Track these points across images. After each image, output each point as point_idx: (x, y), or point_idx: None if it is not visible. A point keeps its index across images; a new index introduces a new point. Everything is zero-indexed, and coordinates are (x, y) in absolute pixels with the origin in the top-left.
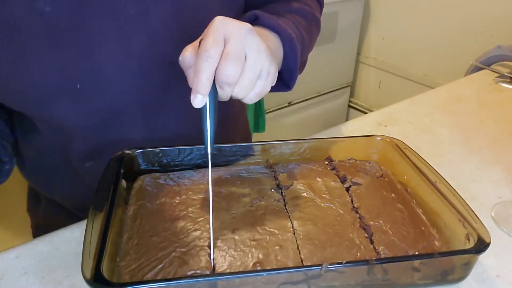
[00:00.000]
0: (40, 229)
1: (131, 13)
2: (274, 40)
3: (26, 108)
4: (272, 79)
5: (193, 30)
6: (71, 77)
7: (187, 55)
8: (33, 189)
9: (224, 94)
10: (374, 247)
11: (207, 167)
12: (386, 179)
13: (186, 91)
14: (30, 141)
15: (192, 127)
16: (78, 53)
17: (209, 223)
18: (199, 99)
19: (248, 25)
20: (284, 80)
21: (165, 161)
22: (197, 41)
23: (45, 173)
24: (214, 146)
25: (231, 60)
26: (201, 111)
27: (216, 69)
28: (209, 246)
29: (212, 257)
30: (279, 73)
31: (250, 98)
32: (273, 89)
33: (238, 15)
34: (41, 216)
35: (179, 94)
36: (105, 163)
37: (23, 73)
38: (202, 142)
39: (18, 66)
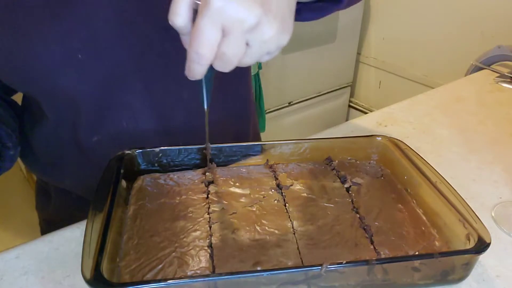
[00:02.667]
0: (51, 225)
1: None
2: None
3: (30, 85)
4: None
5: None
6: (72, 47)
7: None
8: (41, 186)
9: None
10: (374, 247)
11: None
12: (386, 179)
13: (183, 57)
14: (38, 129)
15: (193, 94)
16: (76, 23)
17: (209, 224)
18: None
19: None
20: None
21: (165, 161)
22: None
23: (54, 160)
24: (215, 146)
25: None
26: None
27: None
28: (209, 246)
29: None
30: None
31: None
32: (322, 11)
33: None
34: (52, 212)
35: (177, 61)
36: (110, 136)
37: (26, 46)
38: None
39: (21, 39)
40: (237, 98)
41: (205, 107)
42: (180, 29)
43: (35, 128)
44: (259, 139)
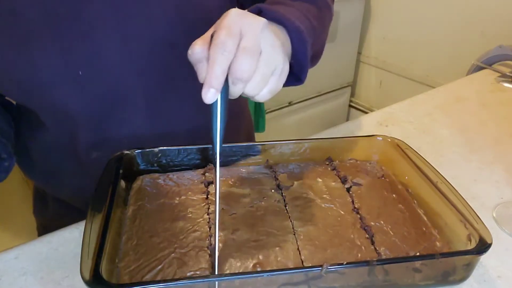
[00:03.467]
0: (48, 230)
1: None
2: (281, 34)
3: (29, 98)
4: (285, 76)
5: (191, 11)
6: (73, 63)
7: (197, 48)
8: (39, 191)
9: (236, 90)
10: (375, 248)
11: (208, 166)
12: (387, 180)
13: (187, 73)
14: (37, 138)
15: (196, 112)
16: (77, 39)
17: (208, 224)
18: (212, 94)
19: (264, 19)
20: (295, 73)
21: (164, 161)
22: (208, 34)
23: (53, 170)
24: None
25: (248, 55)
26: (211, 107)
27: (230, 63)
28: (208, 247)
29: (216, 259)
30: (290, 66)
31: (262, 95)
32: (285, 83)
33: (234, 3)
34: (49, 218)
35: (180, 77)
36: (110, 154)
37: (26, 60)
38: (206, 133)
39: (22, 53)
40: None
41: (218, 136)
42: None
43: (33, 135)
44: (253, 140)
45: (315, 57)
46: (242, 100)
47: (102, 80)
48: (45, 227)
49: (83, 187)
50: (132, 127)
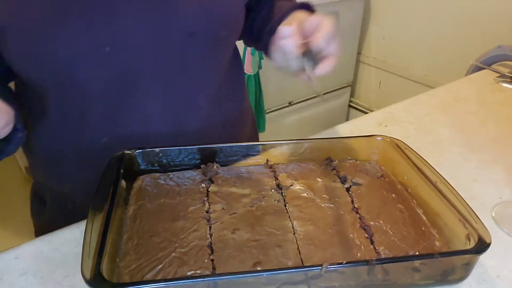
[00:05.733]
0: (45, 233)
1: None
2: None
3: (48, 73)
4: None
5: (213, 4)
6: (97, 40)
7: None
8: (37, 192)
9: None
10: (375, 247)
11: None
12: (387, 179)
13: (203, 65)
14: (43, 122)
15: (207, 104)
16: (104, 16)
17: (208, 224)
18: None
19: None
20: None
21: (165, 161)
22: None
23: (56, 159)
24: (215, 146)
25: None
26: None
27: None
28: (209, 246)
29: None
30: None
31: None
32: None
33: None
34: (46, 221)
35: (196, 68)
36: (119, 139)
37: (52, 33)
38: (215, 126)
39: (50, 27)
40: (233, 104)
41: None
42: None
43: (39, 118)
44: (257, 140)
45: None
46: (247, 108)
47: (122, 60)
48: (42, 231)
49: (86, 180)
50: (144, 112)
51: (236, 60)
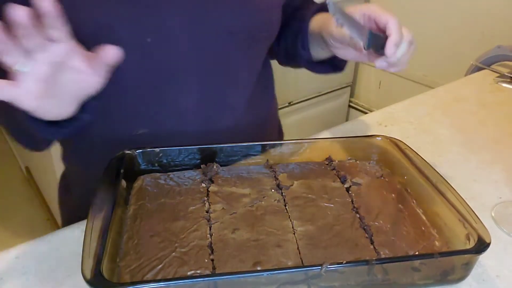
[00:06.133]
0: (72, 223)
1: None
2: None
3: None
4: None
5: (252, 5)
6: (142, 30)
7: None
8: (66, 182)
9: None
10: (374, 247)
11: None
12: (386, 179)
13: (239, 65)
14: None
15: (242, 101)
16: (147, 8)
17: (209, 223)
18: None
19: None
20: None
21: (165, 161)
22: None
23: (90, 148)
24: (214, 146)
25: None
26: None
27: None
28: (209, 246)
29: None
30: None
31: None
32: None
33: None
34: (73, 210)
35: (233, 67)
36: (154, 132)
37: (99, 19)
38: (246, 126)
39: (96, 12)
40: (264, 105)
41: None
42: None
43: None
44: (282, 137)
45: None
46: (274, 108)
47: (161, 53)
48: (70, 221)
49: None
50: (179, 107)
51: (268, 62)
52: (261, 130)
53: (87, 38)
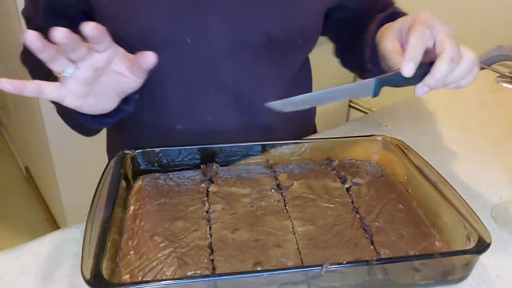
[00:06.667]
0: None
1: None
2: None
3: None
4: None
5: (291, 10)
6: (183, 31)
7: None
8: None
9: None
10: (375, 248)
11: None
12: (387, 179)
13: (276, 70)
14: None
15: (278, 98)
16: (191, 7)
17: (208, 224)
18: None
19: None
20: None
21: (165, 161)
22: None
23: (133, 140)
24: (214, 146)
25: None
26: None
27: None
28: (209, 246)
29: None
30: None
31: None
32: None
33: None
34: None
35: (269, 71)
36: (193, 127)
37: (145, 18)
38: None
39: (144, 7)
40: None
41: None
42: None
43: None
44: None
45: None
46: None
47: (201, 53)
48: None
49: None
50: (217, 105)
51: (307, 63)
52: (297, 128)
53: (130, 39)
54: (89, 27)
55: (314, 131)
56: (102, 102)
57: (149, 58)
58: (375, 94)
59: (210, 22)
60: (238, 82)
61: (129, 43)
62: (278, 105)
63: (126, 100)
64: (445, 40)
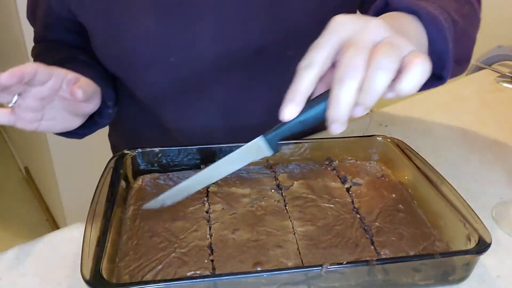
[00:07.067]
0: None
1: (230, 0)
2: (413, 25)
3: (124, 73)
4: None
5: (283, 24)
6: (168, 49)
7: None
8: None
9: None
10: (375, 248)
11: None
12: (387, 179)
13: (267, 82)
14: (125, 103)
15: (265, 109)
16: (178, 27)
17: (208, 224)
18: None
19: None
20: (435, 70)
21: (164, 161)
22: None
23: (138, 133)
24: (214, 146)
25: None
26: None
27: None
28: (208, 247)
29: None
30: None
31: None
32: (424, 85)
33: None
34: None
35: (259, 84)
36: (186, 136)
37: (129, 38)
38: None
39: (127, 32)
40: None
41: None
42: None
43: (124, 99)
44: None
45: (459, 62)
46: None
47: (188, 70)
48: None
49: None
50: (206, 118)
51: None
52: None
53: (115, 58)
54: (2, 78)
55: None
56: (59, 124)
57: (75, 95)
58: (275, 150)
59: (196, 41)
60: (226, 96)
61: (115, 61)
62: (151, 205)
63: (99, 113)
64: (345, 52)
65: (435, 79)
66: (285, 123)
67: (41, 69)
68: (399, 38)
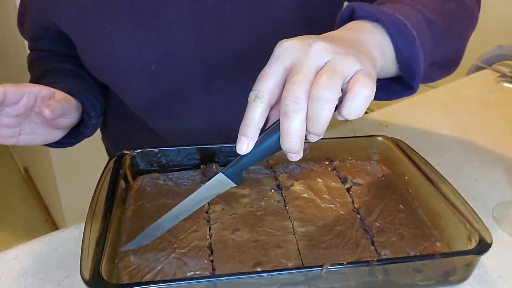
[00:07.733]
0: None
1: (209, 5)
2: (376, 35)
3: (109, 82)
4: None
5: (263, 27)
6: (148, 57)
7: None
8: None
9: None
10: (375, 248)
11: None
12: (387, 180)
13: (250, 87)
14: (114, 108)
15: None
16: (156, 35)
17: (208, 224)
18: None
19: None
20: (404, 79)
21: (164, 161)
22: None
23: (127, 136)
24: (214, 146)
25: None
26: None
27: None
28: (208, 247)
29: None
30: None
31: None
32: (393, 94)
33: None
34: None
35: (242, 89)
36: (177, 133)
37: (109, 49)
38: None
39: (106, 42)
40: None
41: None
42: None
43: (112, 105)
44: None
45: (444, 64)
46: None
47: (171, 78)
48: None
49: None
50: (194, 123)
51: None
52: None
53: (97, 68)
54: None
55: None
56: (39, 137)
57: (43, 114)
58: (238, 182)
59: (175, 48)
60: (209, 104)
61: (98, 70)
62: (128, 247)
63: (84, 124)
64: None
65: (405, 89)
66: (243, 156)
67: (11, 90)
68: (343, 60)
